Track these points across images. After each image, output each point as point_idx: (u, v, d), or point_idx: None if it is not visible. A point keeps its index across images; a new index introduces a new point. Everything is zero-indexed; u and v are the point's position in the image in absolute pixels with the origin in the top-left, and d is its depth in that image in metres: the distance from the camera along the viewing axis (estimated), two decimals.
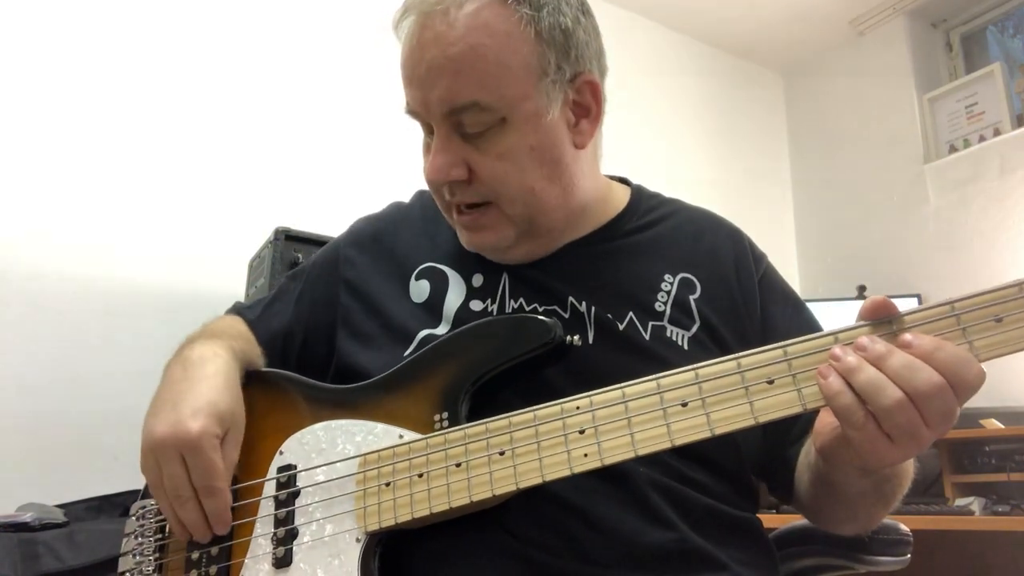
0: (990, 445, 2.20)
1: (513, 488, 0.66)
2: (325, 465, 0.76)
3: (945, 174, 3.00)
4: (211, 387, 0.77)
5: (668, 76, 3.34)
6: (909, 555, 0.98)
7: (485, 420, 0.70)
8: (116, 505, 1.63)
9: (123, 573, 0.81)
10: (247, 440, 0.80)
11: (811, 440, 0.73)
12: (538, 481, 0.66)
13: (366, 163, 2.40)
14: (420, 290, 0.89)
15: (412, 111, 0.83)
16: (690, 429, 0.62)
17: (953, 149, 3.05)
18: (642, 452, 0.63)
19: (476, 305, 0.85)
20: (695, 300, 0.85)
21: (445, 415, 0.73)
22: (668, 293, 0.85)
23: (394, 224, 0.98)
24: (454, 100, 0.77)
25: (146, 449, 0.75)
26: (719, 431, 0.61)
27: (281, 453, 0.79)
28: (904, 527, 0.99)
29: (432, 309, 0.86)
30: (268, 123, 2.29)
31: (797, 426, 0.83)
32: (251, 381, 0.86)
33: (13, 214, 1.87)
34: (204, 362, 0.80)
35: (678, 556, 0.73)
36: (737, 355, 0.63)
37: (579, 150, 0.84)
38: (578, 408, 0.66)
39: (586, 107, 0.84)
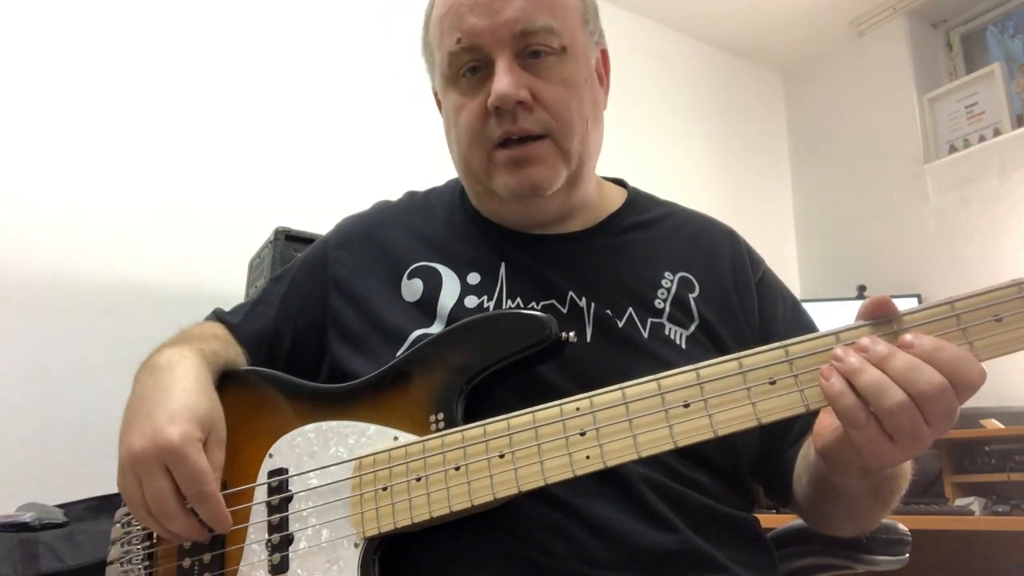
0: (990, 445, 2.20)
1: (515, 491, 0.65)
2: (318, 469, 0.74)
3: (945, 174, 3.00)
4: (184, 390, 0.75)
5: (668, 76, 3.33)
6: (908, 555, 0.98)
7: (483, 422, 0.69)
8: (116, 505, 1.61)
9: None
10: (233, 443, 0.77)
11: (810, 441, 0.73)
12: (540, 484, 0.65)
13: (366, 164, 2.40)
14: (413, 289, 0.87)
15: (466, 47, 0.82)
16: (693, 431, 0.62)
17: (953, 149, 3.05)
18: (645, 454, 0.62)
19: (471, 301, 0.84)
20: (694, 299, 0.85)
21: (441, 416, 0.71)
22: (668, 291, 0.85)
23: (384, 223, 0.96)
24: (529, 20, 0.80)
25: (124, 465, 0.72)
26: (722, 432, 0.61)
27: (271, 456, 0.77)
28: (903, 527, 0.99)
29: (426, 308, 0.85)
30: (268, 123, 2.29)
31: (795, 428, 0.83)
32: (233, 381, 0.83)
33: (12, 214, 1.87)
34: (172, 366, 0.78)
35: (678, 557, 0.72)
36: (738, 355, 0.63)
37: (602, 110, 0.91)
38: (578, 410, 0.65)
39: (600, 75, 0.91)
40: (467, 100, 0.83)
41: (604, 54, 0.92)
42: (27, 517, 1.37)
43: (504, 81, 0.79)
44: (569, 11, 0.84)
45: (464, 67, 0.83)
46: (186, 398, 0.74)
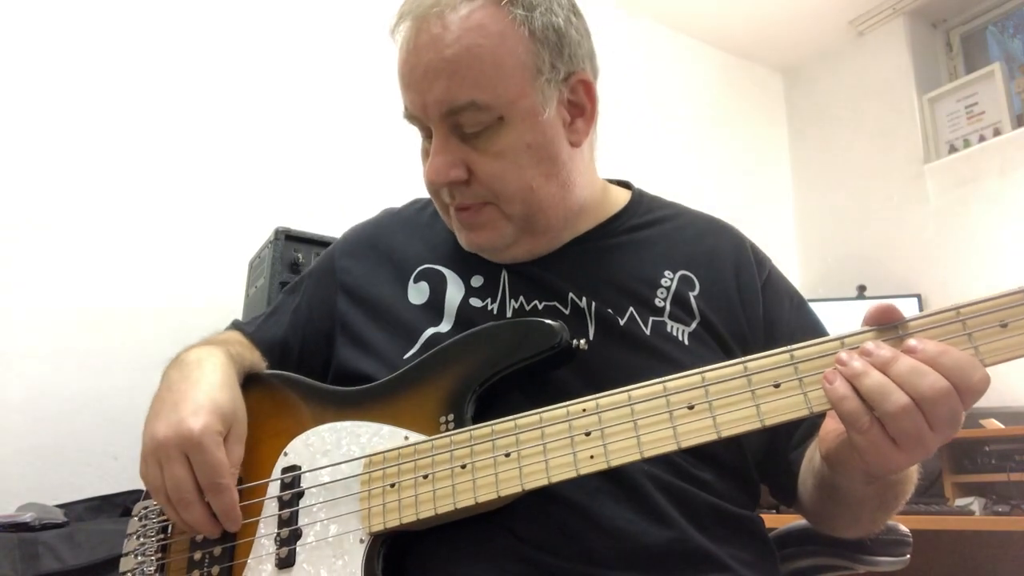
0: (990, 445, 2.20)
1: (518, 489, 0.66)
2: (330, 466, 0.76)
3: (945, 174, 3.00)
4: (210, 384, 0.78)
5: (668, 76, 3.33)
6: (908, 555, 0.98)
7: (491, 422, 0.70)
8: (116, 505, 1.63)
9: (124, 573, 0.82)
10: (251, 441, 0.80)
11: (816, 445, 0.73)
12: (544, 482, 0.66)
13: (366, 164, 2.39)
14: (419, 292, 0.89)
15: (410, 115, 0.83)
16: (696, 431, 0.62)
17: (953, 149, 3.05)
18: (648, 454, 0.63)
19: (475, 303, 0.86)
20: (694, 297, 0.85)
21: (451, 417, 0.73)
22: (668, 289, 0.85)
23: (389, 229, 0.99)
24: (452, 101, 0.78)
25: (147, 452, 0.75)
26: (725, 433, 0.61)
27: (286, 454, 0.79)
28: (904, 527, 0.99)
29: (433, 308, 0.87)
30: (268, 123, 2.29)
31: (800, 430, 0.83)
32: (255, 383, 0.86)
33: (13, 213, 1.86)
34: (201, 363, 0.81)
35: (681, 556, 0.73)
36: (743, 359, 0.63)
37: (575, 148, 0.85)
38: (584, 410, 0.66)
39: (580, 106, 0.86)
40: (424, 159, 0.85)
41: (586, 84, 0.85)
42: (27, 517, 1.38)
43: (433, 164, 0.81)
44: (506, 76, 0.78)
45: (418, 128, 0.85)
46: (212, 392, 0.77)
